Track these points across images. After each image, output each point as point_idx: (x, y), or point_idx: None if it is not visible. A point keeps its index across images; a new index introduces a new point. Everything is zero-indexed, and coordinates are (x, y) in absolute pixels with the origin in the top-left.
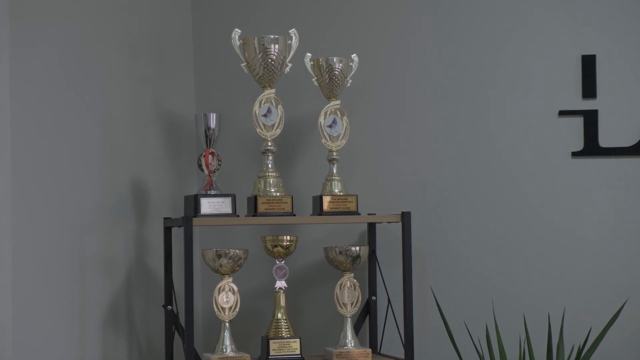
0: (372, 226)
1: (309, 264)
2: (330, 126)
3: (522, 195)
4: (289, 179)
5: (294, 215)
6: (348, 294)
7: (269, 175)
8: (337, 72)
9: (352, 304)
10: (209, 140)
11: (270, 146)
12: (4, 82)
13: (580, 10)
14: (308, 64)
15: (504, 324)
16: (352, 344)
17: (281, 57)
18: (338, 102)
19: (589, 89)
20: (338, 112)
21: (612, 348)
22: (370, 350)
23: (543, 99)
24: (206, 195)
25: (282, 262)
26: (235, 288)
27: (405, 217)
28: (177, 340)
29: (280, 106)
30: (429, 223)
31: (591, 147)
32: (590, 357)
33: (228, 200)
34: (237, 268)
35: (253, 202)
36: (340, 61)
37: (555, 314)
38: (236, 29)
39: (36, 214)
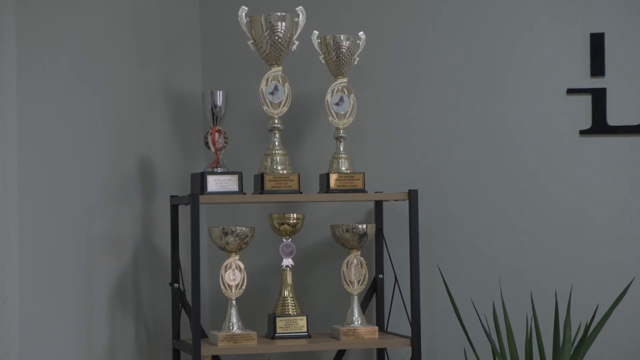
0: (379, 204)
1: (315, 242)
2: (337, 104)
3: (529, 173)
4: (296, 157)
5: (301, 193)
6: (355, 271)
7: (275, 153)
8: (344, 50)
9: (358, 281)
10: (215, 118)
11: (277, 124)
12: (11, 61)
13: None
14: (315, 41)
15: (511, 301)
16: (359, 322)
17: (288, 35)
18: (345, 80)
19: (597, 67)
20: (345, 90)
21: (619, 326)
22: (377, 328)
23: (551, 77)
24: (213, 173)
25: (289, 240)
26: (242, 266)
27: (412, 195)
28: (184, 317)
29: (287, 84)
30: (436, 201)
31: (599, 126)
32: (597, 335)
33: (235, 177)
34: (244, 246)
35: (260, 179)
36: (348, 39)
37: (562, 292)
38: (243, 7)
39: (43, 193)
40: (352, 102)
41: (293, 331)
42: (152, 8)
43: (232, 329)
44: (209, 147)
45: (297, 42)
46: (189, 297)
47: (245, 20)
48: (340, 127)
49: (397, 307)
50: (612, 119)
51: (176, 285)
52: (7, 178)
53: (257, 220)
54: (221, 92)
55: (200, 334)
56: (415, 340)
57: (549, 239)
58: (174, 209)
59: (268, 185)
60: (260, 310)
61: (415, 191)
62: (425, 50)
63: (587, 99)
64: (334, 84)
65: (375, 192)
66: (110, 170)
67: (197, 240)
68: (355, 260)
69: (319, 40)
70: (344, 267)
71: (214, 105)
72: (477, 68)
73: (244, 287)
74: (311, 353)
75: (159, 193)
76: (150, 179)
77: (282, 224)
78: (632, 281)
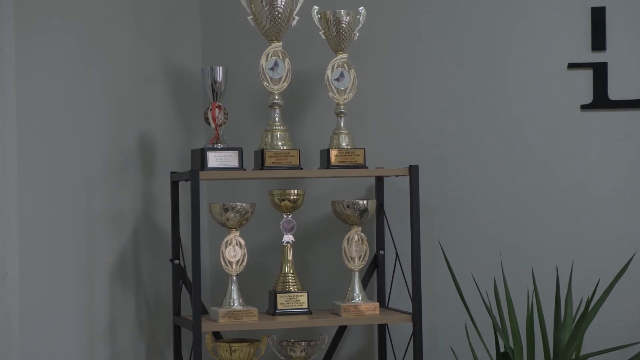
0: (379, 180)
1: (316, 218)
2: (337, 79)
3: (530, 149)
4: (297, 133)
5: (301, 168)
6: (356, 247)
7: (276, 129)
8: (344, 25)
9: (359, 257)
10: (215, 94)
11: (277, 99)
12: (9, 38)
13: None
14: (315, 16)
15: (512, 277)
16: (360, 298)
17: (288, 10)
18: (345, 55)
19: (598, 42)
20: (345, 66)
21: (621, 301)
22: (378, 304)
23: (552, 51)
24: (213, 149)
25: (290, 216)
26: (242, 242)
27: (413, 171)
28: (185, 294)
29: (287, 59)
30: (437, 177)
31: (600, 100)
32: (598, 310)
33: (235, 153)
34: (244, 222)
35: (260, 155)
36: (348, 14)
37: (563, 267)
38: None
39: (43, 169)
40: (352, 78)
41: (294, 307)
42: None
43: (233, 305)
44: (209, 123)
45: (297, 18)
46: (189, 274)
47: None
48: (341, 102)
49: (398, 283)
50: (614, 94)
51: (177, 261)
52: (6, 154)
53: (258, 197)
54: (221, 67)
55: (200, 310)
56: (417, 316)
57: (550, 214)
58: (174, 185)
59: (268, 161)
60: (261, 287)
61: (416, 167)
62: (425, 26)
63: (588, 74)
64: (334, 60)
65: (376, 168)
66: (110, 146)
67: (197, 216)
68: (356, 236)
69: (319, 16)
70: (344, 243)
71: (214, 81)
72: (477, 43)
73: (244, 264)
74: (312, 329)
75: (159, 169)
76: (150, 155)
77: (283, 200)
78: (633, 256)
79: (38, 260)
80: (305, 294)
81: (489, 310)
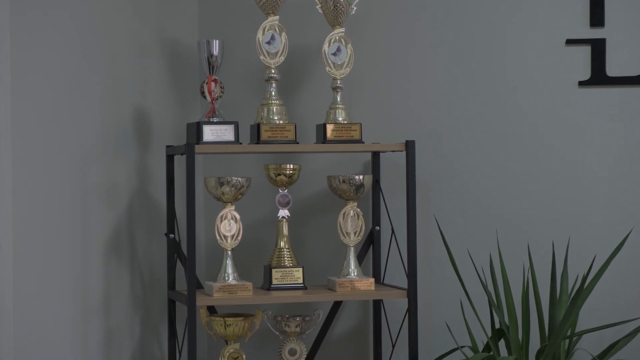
0: (376, 155)
1: (312, 194)
2: (334, 54)
3: (527, 125)
4: (293, 108)
5: (297, 143)
6: (351, 223)
7: (272, 103)
8: None
9: (355, 233)
10: (211, 67)
11: (273, 74)
12: (4, 10)
13: None
14: None
15: (508, 253)
16: (355, 274)
17: None
18: (342, 29)
19: (596, 17)
20: (342, 40)
21: (616, 278)
22: (373, 279)
23: (550, 27)
24: (209, 123)
25: (285, 191)
26: (238, 216)
27: (410, 146)
28: (180, 268)
29: (284, 33)
30: (433, 152)
31: (598, 77)
32: (594, 287)
33: (231, 127)
34: (240, 196)
35: (256, 129)
36: None
37: (559, 244)
38: None
39: (38, 143)
40: (349, 52)
41: (289, 282)
42: None
43: (228, 279)
44: (204, 97)
45: None
46: (184, 248)
47: None
48: (338, 77)
49: (393, 259)
50: (612, 70)
51: (171, 235)
52: (0, 127)
53: (253, 172)
54: (217, 41)
55: (195, 285)
56: (412, 292)
57: (546, 190)
58: (170, 159)
59: (264, 135)
60: (257, 263)
61: (413, 142)
62: (423, 0)
63: (586, 50)
64: (331, 34)
65: (372, 143)
66: (106, 120)
67: (192, 190)
68: (351, 211)
69: None
70: (340, 219)
71: (210, 55)
72: (476, 18)
73: (239, 238)
74: (307, 304)
75: (154, 143)
76: (146, 129)
77: (279, 174)
78: (629, 233)
79: (32, 234)
80: (301, 269)
81: (485, 286)
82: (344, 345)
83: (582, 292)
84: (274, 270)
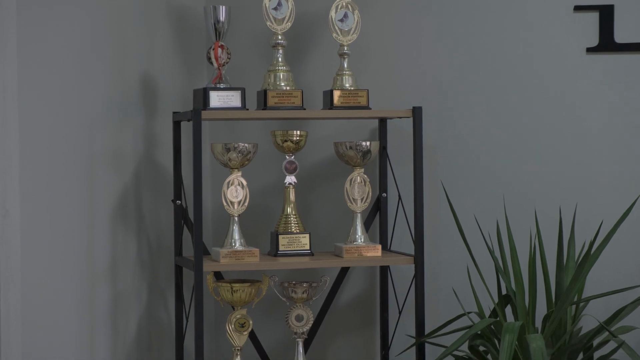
0: (382, 122)
1: (319, 160)
2: (341, 20)
3: (535, 91)
4: (300, 74)
5: (304, 109)
6: (358, 189)
7: (279, 69)
8: None
9: (362, 199)
10: (218, 33)
11: (280, 40)
12: None
13: None
14: None
15: (515, 219)
16: (362, 240)
17: None
18: None
19: None
20: (349, 6)
21: (623, 244)
22: (380, 245)
23: None
24: (215, 89)
25: (292, 157)
26: (245, 182)
27: (417, 112)
28: (187, 235)
29: None
30: (440, 119)
31: (606, 43)
32: (601, 253)
33: (237, 93)
34: (247, 162)
35: (263, 95)
36: None
37: (566, 210)
38: None
39: (44, 108)
40: (356, 19)
41: (296, 249)
42: None
43: (234, 245)
44: (211, 63)
45: None
46: (191, 214)
47: None
48: (344, 43)
49: (400, 225)
50: (620, 36)
51: (178, 202)
52: (7, 93)
53: (260, 138)
54: (224, 7)
55: (202, 250)
56: (419, 258)
57: (554, 157)
58: (177, 125)
59: (271, 101)
60: (263, 229)
61: (420, 108)
62: None
63: (594, 16)
64: (338, 0)
65: (379, 110)
66: (112, 86)
67: (199, 156)
68: (358, 177)
69: None
70: (347, 185)
71: (217, 21)
72: None
73: (246, 204)
74: (314, 271)
75: (161, 109)
76: (153, 95)
77: (285, 140)
78: (637, 199)
79: (39, 200)
80: (307, 235)
81: (491, 252)
82: (351, 311)
83: (589, 258)
84: (280, 237)
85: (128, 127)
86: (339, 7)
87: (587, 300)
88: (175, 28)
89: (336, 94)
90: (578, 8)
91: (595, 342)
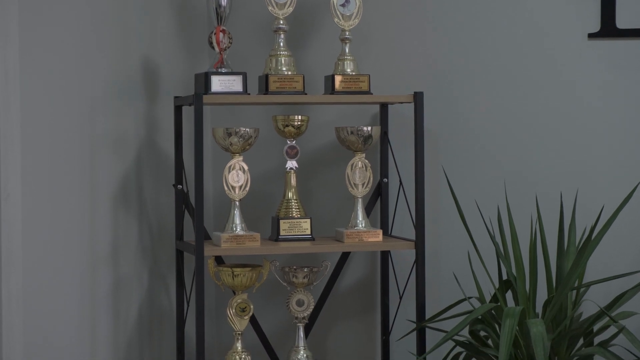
0: (384, 107)
1: (320, 145)
2: (343, 5)
3: (536, 77)
4: (301, 59)
5: (306, 94)
6: (359, 174)
7: (280, 54)
8: None
9: (363, 184)
10: (219, 17)
11: (282, 24)
12: None
13: None
14: None
15: (516, 204)
16: (363, 225)
17: None
18: None
19: None
20: None
21: (624, 229)
22: (381, 231)
23: None
24: (217, 73)
25: (294, 142)
26: (246, 167)
27: (418, 97)
28: (188, 219)
29: None
30: (441, 104)
31: (608, 29)
32: (602, 239)
33: (239, 78)
34: (248, 147)
35: (264, 80)
36: None
37: (567, 195)
38: None
39: (46, 91)
40: (358, 4)
41: (297, 233)
42: None
43: (236, 230)
44: (213, 47)
45: None
46: (192, 199)
47: None
48: (346, 28)
49: (401, 211)
50: (622, 22)
51: (180, 186)
52: (9, 76)
53: (262, 123)
54: None
55: (203, 235)
56: (419, 243)
57: (555, 142)
58: (178, 110)
59: (272, 86)
60: (264, 214)
61: (421, 93)
62: None
63: (596, 1)
64: None
65: (381, 95)
66: (114, 70)
67: (200, 141)
68: (359, 162)
69: None
70: (348, 170)
71: (219, 5)
72: None
73: (247, 189)
74: (315, 256)
75: (162, 93)
76: (154, 80)
77: (287, 125)
78: (638, 185)
79: (40, 183)
80: (309, 220)
81: (492, 237)
82: (352, 296)
83: (590, 244)
84: (281, 221)
85: (129, 111)
86: None
87: (588, 285)
88: (177, 12)
89: (338, 79)
90: None
91: (596, 327)
